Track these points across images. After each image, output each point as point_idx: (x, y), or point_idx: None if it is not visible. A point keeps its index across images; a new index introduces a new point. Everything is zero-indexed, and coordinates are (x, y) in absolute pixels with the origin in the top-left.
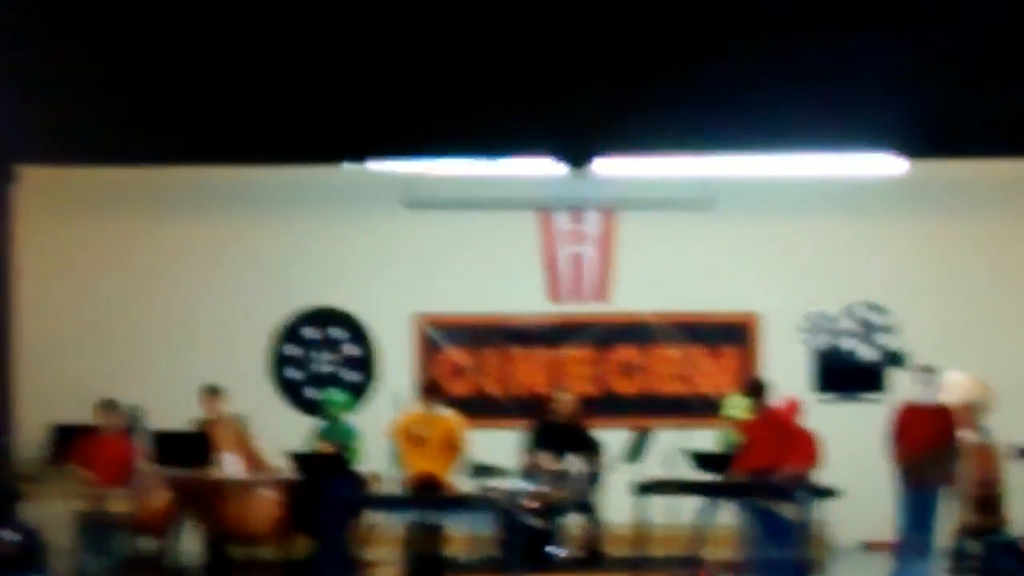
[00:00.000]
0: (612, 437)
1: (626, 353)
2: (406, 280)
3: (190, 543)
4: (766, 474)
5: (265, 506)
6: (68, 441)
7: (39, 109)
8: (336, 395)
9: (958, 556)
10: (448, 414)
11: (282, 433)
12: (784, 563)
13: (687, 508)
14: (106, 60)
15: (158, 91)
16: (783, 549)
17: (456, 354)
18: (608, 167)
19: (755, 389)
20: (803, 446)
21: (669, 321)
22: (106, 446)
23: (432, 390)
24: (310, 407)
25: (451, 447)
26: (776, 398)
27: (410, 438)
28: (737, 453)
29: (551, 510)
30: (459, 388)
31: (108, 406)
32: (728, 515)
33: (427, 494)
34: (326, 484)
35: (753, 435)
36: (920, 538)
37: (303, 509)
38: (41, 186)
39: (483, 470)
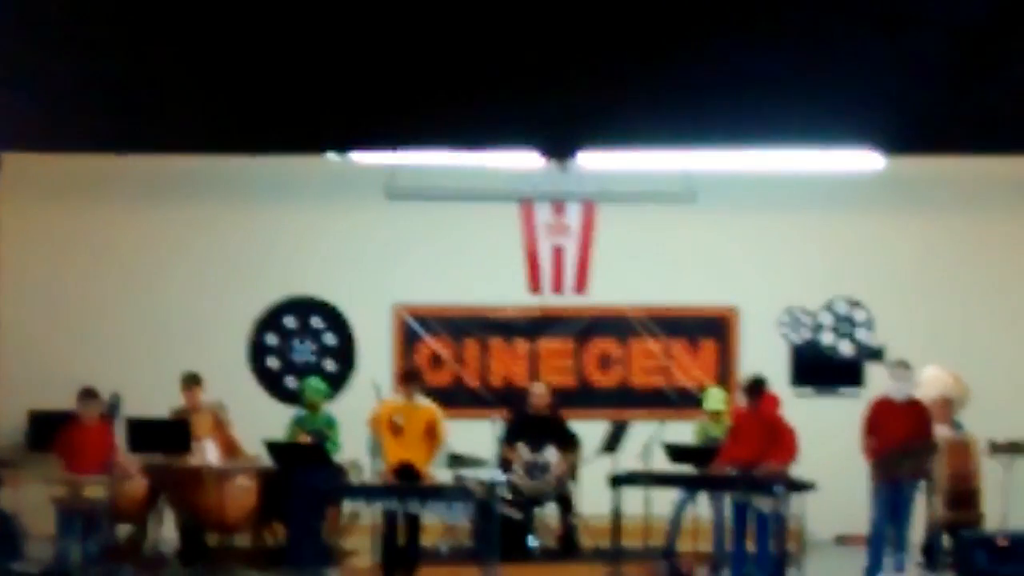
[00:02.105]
0: (589, 429)
1: (604, 346)
2: (386, 270)
3: (167, 530)
4: (750, 467)
5: (241, 494)
6: (46, 428)
7: (24, 96)
8: (314, 383)
9: (932, 551)
10: (428, 404)
11: (261, 422)
12: (759, 556)
13: (663, 500)
14: (92, 48)
15: (142, 80)
16: (758, 542)
17: (435, 344)
18: (590, 160)
19: (755, 386)
20: (787, 441)
21: (648, 314)
22: (86, 434)
23: (412, 377)
24: (289, 396)
25: (430, 437)
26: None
27: (390, 427)
28: (723, 445)
29: (527, 501)
30: (437, 378)
31: (88, 394)
32: (704, 508)
33: (405, 483)
34: (302, 473)
35: (743, 429)
36: (894, 532)
37: (279, 498)
38: (21, 173)
39: (460, 460)
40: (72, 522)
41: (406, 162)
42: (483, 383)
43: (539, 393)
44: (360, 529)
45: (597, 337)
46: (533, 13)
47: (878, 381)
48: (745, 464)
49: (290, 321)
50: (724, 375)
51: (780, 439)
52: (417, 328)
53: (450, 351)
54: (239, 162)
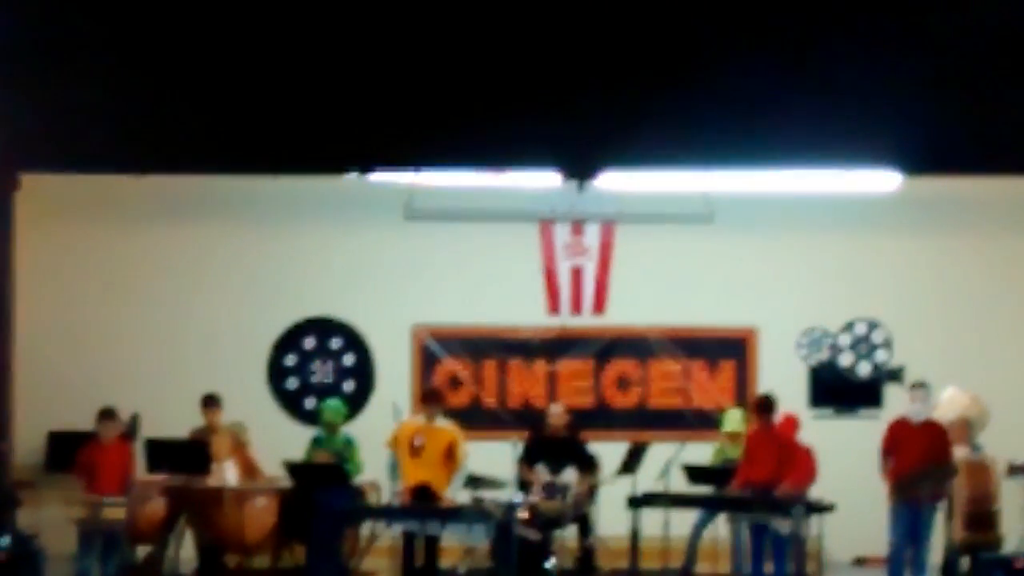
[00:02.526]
0: (608, 450)
1: (623, 366)
2: (405, 291)
3: (186, 551)
4: (766, 489)
5: (260, 515)
6: (65, 449)
7: (43, 117)
8: (333, 404)
9: (950, 572)
10: (448, 425)
11: (280, 442)
12: None
13: (682, 522)
14: (110, 69)
15: (161, 100)
16: (777, 564)
17: (454, 365)
18: (609, 180)
19: (765, 405)
20: (803, 463)
21: (667, 335)
22: (105, 454)
23: (433, 398)
24: (308, 417)
25: (450, 458)
26: (775, 414)
27: (410, 448)
28: (738, 467)
29: (546, 522)
30: (456, 399)
31: (108, 415)
32: (722, 529)
33: (423, 504)
34: (321, 494)
35: (756, 450)
36: (912, 554)
37: (298, 518)
38: (41, 193)
39: (478, 481)
40: (92, 542)
41: (425, 182)
42: (501, 404)
43: (557, 414)
44: (379, 550)
45: (616, 358)
46: (553, 36)
47: (897, 402)
48: (761, 486)
49: (309, 342)
50: (743, 396)
51: (794, 460)
52: (436, 349)
53: (469, 372)
54: (258, 182)
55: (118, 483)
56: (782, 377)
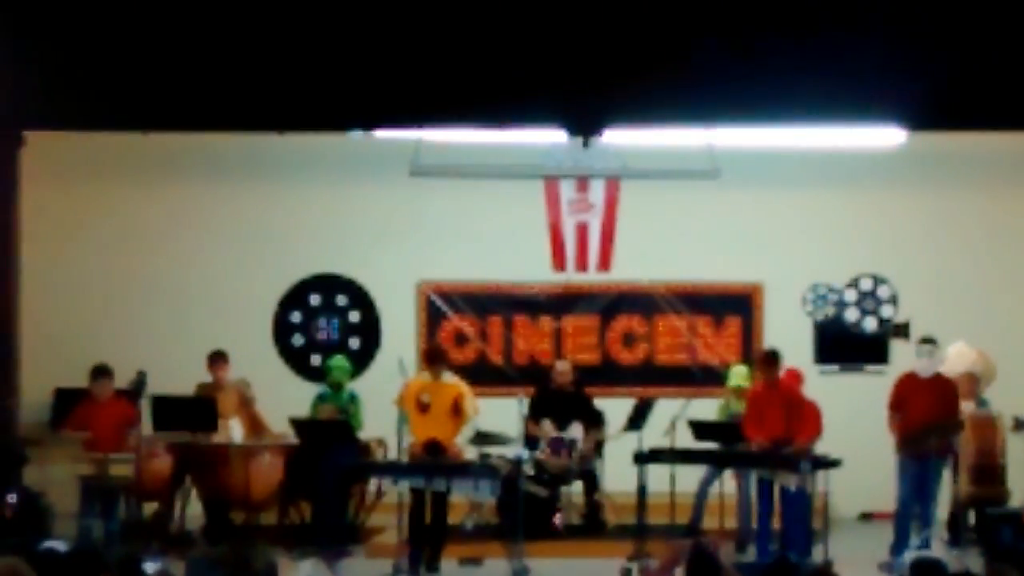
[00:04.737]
0: (614, 406)
1: (629, 322)
2: (411, 248)
3: (193, 508)
4: (778, 445)
5: (267, 472)
6: (72, 405)
7: (48, 74)
8: (338, 360)
9: (957, 527)
10: (455, 381)
11: (285, 399)
12: (785, 533)
13: (688, 477)
14: (115, 25)
15: (165, 57)
16: (784, 519)
17: (460, 322)
18: (614, 136)
19: (769, 360)
20: (809, 417)
21: (672, 291)
22: (101, 411)
23: (436, 357)
24: (314, 374)
25: (457, 414)
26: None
27: (417, 405)
28: (746, 422)
29: (553, 478)
30: (462, 356)
31: (100, 372)
32: (729, 485)
33: (432, 460)
34: (327, 450)
35: (763, 406)
36: (919, 509)
37: (304, 475)
38: (47, 151)
39: (485, 438)
40: (93, 500)
41: (430, 138)
42: (507, 360)
43: (563, 370)
44: (386, 507)
45: (621, 314)
46: None
47: (903, 358)
48: (774, 442)
49: (315, 299)
50: (748, 352)
51: (803, 414)
52: (442, 305)
53: (475, 328)
54: (263, 140)
55: (115, 440)
56: (788, 333)
